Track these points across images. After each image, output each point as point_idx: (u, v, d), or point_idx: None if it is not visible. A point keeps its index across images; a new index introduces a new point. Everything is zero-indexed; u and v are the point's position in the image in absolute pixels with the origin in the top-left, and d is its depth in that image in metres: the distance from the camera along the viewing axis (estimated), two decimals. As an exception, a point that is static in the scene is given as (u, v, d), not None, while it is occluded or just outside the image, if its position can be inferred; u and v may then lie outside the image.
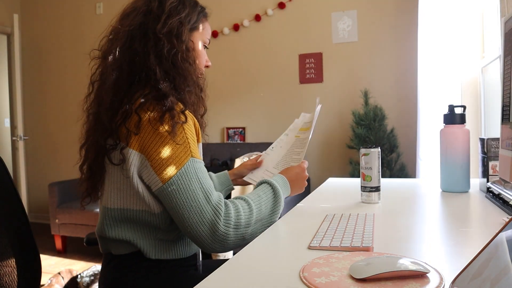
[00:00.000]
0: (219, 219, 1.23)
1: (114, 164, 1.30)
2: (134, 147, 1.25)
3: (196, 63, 1.41)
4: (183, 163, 1.23)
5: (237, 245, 1.26)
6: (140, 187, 1.28)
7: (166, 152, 1.23)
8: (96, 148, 1.35)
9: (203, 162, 1.32)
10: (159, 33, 1.32)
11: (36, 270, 1.38)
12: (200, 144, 1.40)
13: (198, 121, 1.40)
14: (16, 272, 1.29)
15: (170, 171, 1.22)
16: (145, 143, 1.24)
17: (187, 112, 1.31)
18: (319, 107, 1.62)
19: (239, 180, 1.83)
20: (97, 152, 1.35)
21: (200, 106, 1.48)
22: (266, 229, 1.27)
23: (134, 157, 1.25)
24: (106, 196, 1.35)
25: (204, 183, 1.26)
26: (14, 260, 1.29)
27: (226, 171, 1.83)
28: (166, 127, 1.23)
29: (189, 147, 1.25)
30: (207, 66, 1.53)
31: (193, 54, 1.40)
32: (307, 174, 1.55)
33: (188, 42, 1.38)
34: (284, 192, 1.45)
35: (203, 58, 1.49)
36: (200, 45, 1.46)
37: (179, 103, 1.31)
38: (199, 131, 1.37)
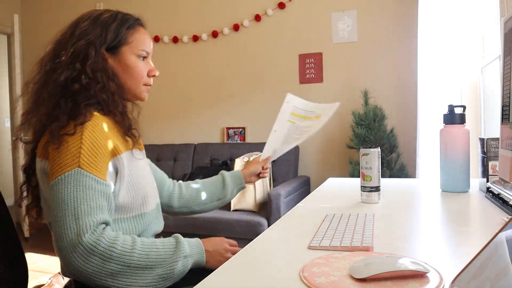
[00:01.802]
0: (80, 244, 1.14)
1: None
2: (40, 156, 1.32)
3: (112, 81, 1.38)
4: (65, 170, 1.20)
5: (98, 279, 1.16)
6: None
7: (57, 157, 1.23)
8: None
9: (99, 180, 1.24)
10: (64, 62, 1.34)
11: (22, 271, 1.38)
12: (123, 162, 1.34)
13: (131, 138, 1.40)
14: (1, 272, 1.30)
15: (55, 173, 1.21)
16: (46, 150, 1.28)
17: (96, 127, 1.29)
18: (336, 105, 1.61)
19: (253, 178, 1.88)
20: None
21: (122, 124, 1.40)
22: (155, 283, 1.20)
23: (41, 164, 1.31)
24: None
25: (80, 200, 1.19)
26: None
27: (240, 170, 1.87)
28: (61, 138, 1.25)
29: (79, 157, 1.22)
30: (153, 75, 1.50)
31: (105, 73, 1.37)
32: (228, 249, 1.40)
33: (99, 63, 1.36)
34: (194, 255, 1.31)
35: (138, 71, 1.45)
36: (131, 59, 1.43)
37: (80, 117, 1.28)
38: (118, 149, 1.32)
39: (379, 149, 1.56)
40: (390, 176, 3.86)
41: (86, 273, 1.15)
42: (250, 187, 3.87)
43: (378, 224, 1.23)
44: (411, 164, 4.08)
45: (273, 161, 4.41)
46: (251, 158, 4.01)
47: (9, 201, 6.39)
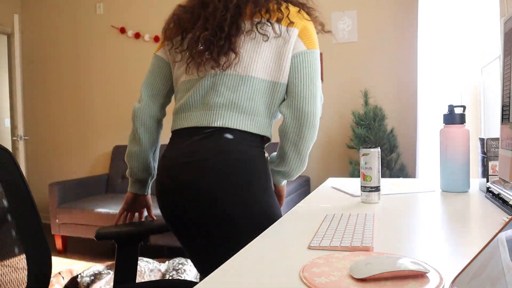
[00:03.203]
0: (317, 115, 1.57)
1: (276, 34, 1.57)
2: (297, 26, 1.61)
3: None
4: (316, 47, 1.69)
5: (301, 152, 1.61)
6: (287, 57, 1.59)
7: (311, 31, 1.69)
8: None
9: None
10: None
11: (46, 265, 1.38)
12: None
13: None
14: (26, 267, 1.30)
15: (312, 44, 1.65)
16: (306, 26, 1.66)
17: None
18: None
19: None
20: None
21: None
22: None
23: (294, 32, 1.59)
24: (254, 67, 1.56)
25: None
26: (24, 255, 1.30)
27: None
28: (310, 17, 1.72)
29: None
30: None
31: None
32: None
33: None
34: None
35: None
36: None
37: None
38: None
39: (379, 149, 1.56)
40: (390, 176, 3.87)
41: (303, 138, 1.57)
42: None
43: (378, 224, 1.23)
44: (411, 164, 4.09)
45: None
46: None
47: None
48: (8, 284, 1.27)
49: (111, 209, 4.27)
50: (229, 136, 1.52)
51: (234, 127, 1.52)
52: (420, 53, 3.64)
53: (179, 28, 1.67)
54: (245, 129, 1.53)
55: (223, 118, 1.52)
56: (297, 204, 1.60)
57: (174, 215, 1.56)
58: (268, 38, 1.54)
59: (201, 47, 1.55)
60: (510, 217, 0.62)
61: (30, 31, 5.98)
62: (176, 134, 1.63)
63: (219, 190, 1.47)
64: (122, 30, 5.30)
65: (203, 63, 1.56)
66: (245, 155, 1.52)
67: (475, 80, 3.20)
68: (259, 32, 1.54)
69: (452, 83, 3.36)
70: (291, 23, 1.57)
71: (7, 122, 6.24)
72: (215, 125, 1.52)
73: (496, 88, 2.79)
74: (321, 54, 4.53)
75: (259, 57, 1.55)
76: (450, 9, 3.37)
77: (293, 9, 1.62)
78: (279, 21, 1.56)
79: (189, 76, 1.62)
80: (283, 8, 1.59)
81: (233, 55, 1.53)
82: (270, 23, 1.55)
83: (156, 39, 5.05)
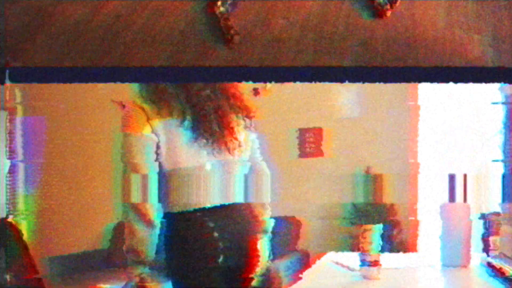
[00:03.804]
0: None
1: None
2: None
3: None
4: None
5: None
6: None
7: None
8: None
9: None
10: None
11: None
12: None
13: None
14: None
15: None
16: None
17: None
18: None
19: None
20: None
21: None
22: None
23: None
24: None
25: None
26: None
27: None
28: None
29: None
30: None
31: None
32: None
33: None
34: None
35: None
36: None
37: None
38: None
39: (381, 225, 1.56)
40: (391, 251, 3.82)
41: None
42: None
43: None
44: (412, 239, 4.04)
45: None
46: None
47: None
48: None
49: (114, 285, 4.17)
50: None
51: None
52: (422, 126, 3.69)
53: (172, 107, 1.69)
54: None
55: None
56: (297, 283, 1.58)
57: None
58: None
59: (221, 132, 1.70)
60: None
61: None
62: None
63: None
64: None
65: (222, 148, 1.69)
66: None
67: (477, 151, 3.22)
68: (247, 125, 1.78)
69: (454, 153, 3.38)
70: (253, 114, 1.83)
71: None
72: None
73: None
74: (321, 129, 4.56)
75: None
76: (452, 88, 3.43)
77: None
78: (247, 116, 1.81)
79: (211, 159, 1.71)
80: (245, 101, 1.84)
81: (237, 143, 1.70)
82: (249, 117, 1.80)
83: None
